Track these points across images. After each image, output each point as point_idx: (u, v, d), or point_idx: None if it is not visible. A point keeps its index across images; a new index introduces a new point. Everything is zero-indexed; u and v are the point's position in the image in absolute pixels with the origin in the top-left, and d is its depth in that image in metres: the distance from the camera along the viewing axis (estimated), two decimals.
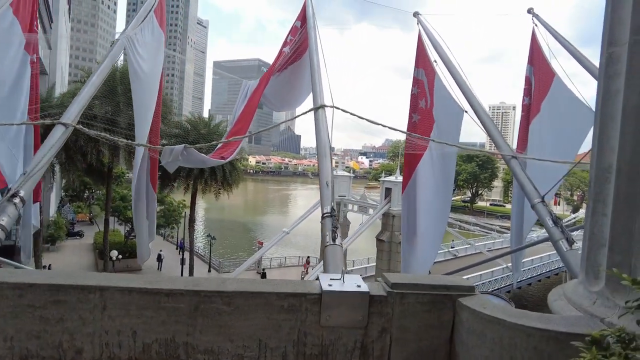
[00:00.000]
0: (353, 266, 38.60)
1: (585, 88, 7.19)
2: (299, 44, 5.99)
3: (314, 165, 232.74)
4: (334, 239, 2.80)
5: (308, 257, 38.55)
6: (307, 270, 28.49)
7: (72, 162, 21.36)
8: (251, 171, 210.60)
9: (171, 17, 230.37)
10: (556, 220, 3.78)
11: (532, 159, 5.03)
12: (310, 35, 5.65)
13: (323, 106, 4.08)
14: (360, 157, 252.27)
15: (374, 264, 35.59)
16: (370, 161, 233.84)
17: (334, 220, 2.95)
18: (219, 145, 5.07)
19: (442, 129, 6.58)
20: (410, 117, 7.19)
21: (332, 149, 3.67)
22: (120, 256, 32.67)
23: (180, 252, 38.25)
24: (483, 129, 4.93)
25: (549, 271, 43.92)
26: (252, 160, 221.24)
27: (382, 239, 31.91)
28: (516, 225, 7.74)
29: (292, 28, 6.84)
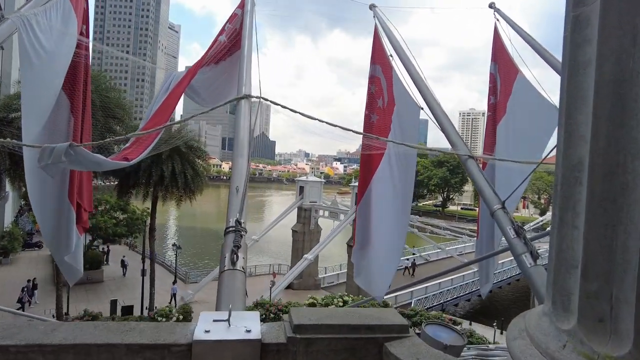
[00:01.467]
0: (325, 273, 37.95)
1: (549, 85, 6.79)
2: (239, 32, 5.30)
3: (289, 171, 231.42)
4: (233, 263, 2.11)
5: (273, 271, 37.46)
6: (274, 281, 27.60)
7: (17, 169, 19.80)
8: (224, 177, 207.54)
9: (141, 21, 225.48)
10: (518, 230, 3.19)
11: (490, 158, 4.49)
12: (245, 20, 5.00)
13: (247, 96, 3.40)
14: (335, 163, 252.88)
15: (346, 270, 35.03)
16: (345, 167, 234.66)
17: (238, 238, 2.26)
18: (131, 141, 4.26)
19: (401, 128, 6.00)
20: (368, 117, 6.60)
21: (251, 146, 2.99)
22: None
23: (150, 264, 36.47)
24: (438, 126, 4.35)
25: (518, 274, 44.42)
26: (225, 167, 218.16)
27: (352, 245, 31.38)
28: (486, 232, 7.24)
29: (231, 15, 6.15)
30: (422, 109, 5.47)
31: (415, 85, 4.95)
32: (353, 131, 4.01)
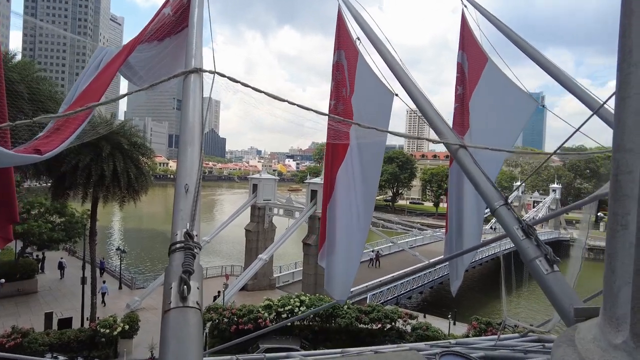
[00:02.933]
0: (280, 272, 37.18)
1: (521, 72, 6.54)
2: (187, 4, 4.50)
3: (240, 169, 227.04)
4: (183, 297, 1.41)
5: (226, 273, 36.16)
6: (227, 283, 26.44)
7: None
8: (172, 176, 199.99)
9: (79, 11, 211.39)
10: (528, 230, 2.70)
11: (484, 148, 4.04)
12: None
13: (198, 70, 2.67)
14: (287, 160, 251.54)
15: (301, 268, 34.48)
16: (298, 164, 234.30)
17: (189, 258, 1.56)
18: (48, 129, 3.35)
19: (365, 118, 5.45)
20: (335, 107, 5.98)
21: (204, 132, 2.27)
22: (3, 280, 27.94)
23: (101, 273, 34.07)
24: (421, 114, 3.81)
25: (482, 258, 45.75)
26: (172, 165, 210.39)
27: (309, 243, 30.86)
28: (455, 228, 6.87)
29: None
30: (397, 95, 4.97)
31: (391, 71, 4.41)
32: (331, 116, 3.40)
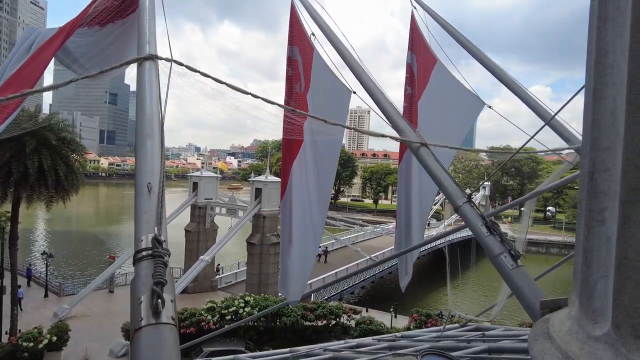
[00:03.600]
0: (222, 273, 36.26)
1: (468, 73, 6.79)
2: None
3: (178, 167, 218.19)
4: (156, 313, 1.23)
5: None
6: None
7: None
8: (104, 174, 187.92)
9: None
10: (492, 226, 2.75)
11: (444, 147, 4.10)
12: None
13: (153, 57, 2.43)
14: (228, 158, 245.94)
15: (244, 268, 33.88)
16: (239, 161, 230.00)
17: (160, 267, 1.37)
18: None
19: (321, 115, 5.37)
20: (287, 103, 5.83)
21: (162, 123, 2.06)
22: None
23: (28, 282, 31.05)
24: (380, 113, 3.81)
25: (421, 252, 47.27)
26: (104, 162, 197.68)
27: (253, 242, 30.38)
28: (404, 225, 7.00)
29: None
30: (355, 92, 4.94)
31: (349, 68, 4.36)
32: (300, 112, 3.24)
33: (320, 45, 5.38)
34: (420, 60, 6.92)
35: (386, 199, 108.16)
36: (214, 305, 20.87)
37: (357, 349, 10.21)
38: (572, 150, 5.21)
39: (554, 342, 1.73)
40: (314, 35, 5.61)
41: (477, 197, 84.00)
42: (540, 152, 5.37)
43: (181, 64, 2.58)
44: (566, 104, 3.00)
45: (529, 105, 5.22)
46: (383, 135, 3.41)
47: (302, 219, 5.62)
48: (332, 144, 5.38)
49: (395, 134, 3.73)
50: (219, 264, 36.68)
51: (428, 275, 42.05)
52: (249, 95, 2.92)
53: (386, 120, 3.92)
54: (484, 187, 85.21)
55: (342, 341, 12.83)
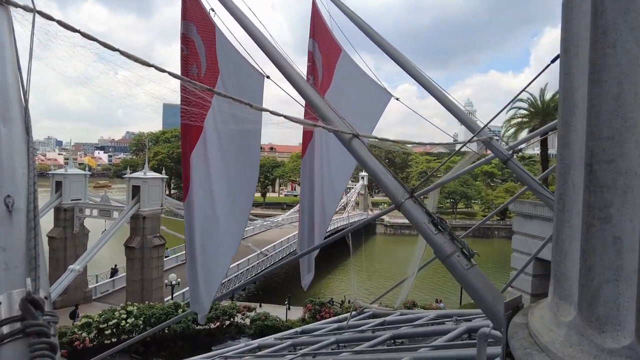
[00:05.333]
0: (97, 282, 32.28)
1: (375, 63, 6.70)
2: None
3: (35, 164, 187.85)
4: None
5: None
6: None
7: None
8: None
9: None
10: (440, 223, 2.53)
11: (375, 138, 3.81)
12: None
13: (5, 2, 1.64)
14: (97, 152, 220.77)
15: (124, 274, 30.61)
16: (110, 156, 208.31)
17: (41, 352, 0.77)
18: None
19: (228, 103, 4.73)
20: (183, 87, 4.99)
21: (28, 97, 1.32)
22: None
23: None
24: (304, 99, 3.38)
25: (289, 254, 48.02)
26: None
27: (132, 246, 27.54)
28: (307, 223, 6.71)
29: None
30: (269, 77, 4.40)
31: (261, 49, 3.83)
32: (217, 92, 2.56)
33: (222, 22, 4.70)
34: (323, 49, 6.64)
35: (274, 191, 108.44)
36: (90, 320, 18.32)
37: (259, 354, 9.76)
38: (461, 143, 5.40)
39: (555, 356, 1.53)
40: (213, 10, 4.91)
41: (357, 187, 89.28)
42: (457, 143, 5.51)
43: (50, 18, 1.81)
44: (501, 110, 2.90)
45: (435, 97, 5.28)
46: (315, 125, 2.98)
47: (205, 224, 4.90)
48: (246, 136, 4.76)
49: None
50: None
51: (316, 264, 43.05)
52: (176, 74, 2.26)
53: (308, 109, 3.51)
54: (362, 177, 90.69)
55: (242, 344, 12.23)
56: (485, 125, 3.55)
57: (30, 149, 1.31)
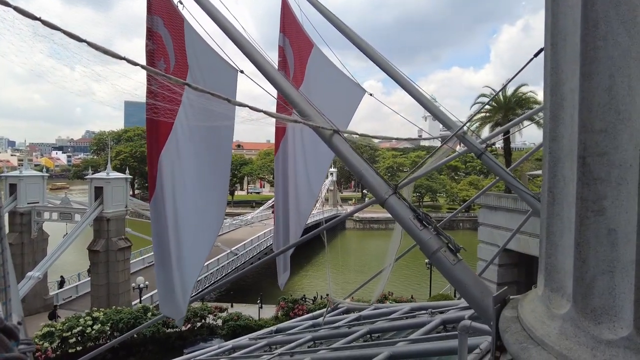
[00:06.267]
0: (58, 288, 30.87)
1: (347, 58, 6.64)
2: None
3: None
4: None
5: None
6: None
7: None
8: None
9: None
10: (425, 219, 2.52)
11: (354, 133, 3.76)
12: None
13: None
14: (54, 152, 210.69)
15: (88, 279, 29.41)
16: (69, 156, 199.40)
17: None
18: None
19: (200, 100, 4.56)
20: (148, 81, 4.76)
21: None
22: None
23: None
24: (281, 94, 3.29)
25: (260, 252, 47.46)
26: None
27: (97, 249, 26.48)
28: (282, 222, 6.62)
29: None
30: (242, 72, 4.26)
31: (234, 42, 3.70)
32: (194, 87, 2.41)
33: (192, 15, 4.52)
34: (295, 44, 6.54)
35: (242, 189, 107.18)
36: (52, 329, 17.48)
37: (234, 355, 9.58)
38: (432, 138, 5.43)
39: (552, 349, 1.53)
40: (181, 3, 4.72)
41: (327, 183, 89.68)
42: (431, 138, 5.53)
43: (6, 4, 1.64)
44: (503, 86, 2.91)
45: (408, 92, 5.30)
46: (295, 121, 2.90)
47: (178, 224, 4.72)
48: (219, 132, 4.60)
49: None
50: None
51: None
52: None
53: (286, 105, 3.42)
54: (331, 174, 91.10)
55: (216, 346, 11.99)
56: (468, 122, 3.57)
57: None
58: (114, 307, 21.22)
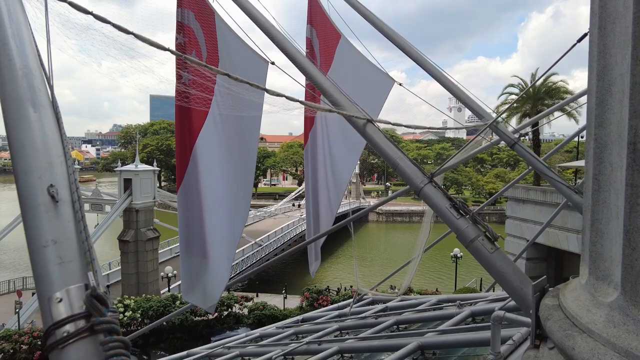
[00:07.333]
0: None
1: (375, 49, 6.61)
2: None
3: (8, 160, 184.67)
4: None
5: (17, 289, 29.10)
6: (21, 301, 21.24)
7: None
8: None
9: None
10: (462, 207, 2.50)
11: (387, 122, 3.76)
12: None
13: None
14: (84, 146, 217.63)
15: (119, 268, 30.42)
16: (98, 150, 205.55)
17: (120, 354, 0.73)
18: None
19: (232, 90, 4.63)
20: (179, 76, 4.87)
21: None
22: None
23: None
24: (314, 85, 3.31)
25: (285, 243, 47.90)
26: None
27: (126, 239, 27.32)
28: (313, 211, 6.67)
29: None
30: (273, 63, 4.31)
31: (266, 34, 3.72)
32: (219, 71, 2.48)
33: (221, 7, 4.58)
34: (322, 35, 6.53)
35: (267, 182, 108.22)
36: None
37: (262, 343, 9.76)
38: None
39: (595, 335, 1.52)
40: None
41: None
42: (461, 127, 5.46)
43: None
44: (546, 71, 2.86)
45: (439, 81, 5.23)
46: (330, 110, 2.92)
47: (210, 211, 4.82)
48: (247, 123, 4.67)
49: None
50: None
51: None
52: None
53: (323, 94, 3.44)
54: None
55: (243, 334, 12.24)
56: (504, 112, 3.49)
57: (63, 135, 1.24)
58: (143, 295, 21.91)
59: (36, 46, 1.51)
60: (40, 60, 1.50)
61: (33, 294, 24.10)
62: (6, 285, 29.81)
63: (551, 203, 19.71)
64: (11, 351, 16.28)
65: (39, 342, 16.63)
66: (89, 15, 1.95)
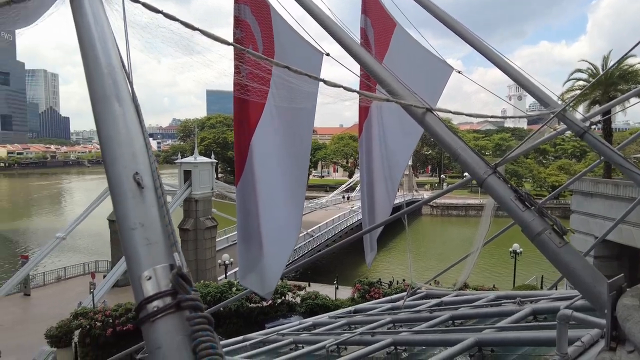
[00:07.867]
0: None
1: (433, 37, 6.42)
2: None
3: (91, 152, 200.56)
4: None
5: (91, 271, 31.68)
6: (95, 282, 23.14)
7: None
8: (2, 164, 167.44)
9: None
10: (528, 199, 2.38)
11: (447, 111, 3.68)
12: None
13: None
14: None
15: None
16: (159, 143, 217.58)
17: (205, 330, 0.78)
18: None
19: (288, 83, 4.70)
20: (238, 69, 4.98)
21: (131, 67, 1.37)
22: None
23: None
24: (371, 75, 3.28)
25: (336, 233, 48.08)
26: (2, 151, 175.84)
27: (187, 228, 28.80)
28: (367, 202, 6.64)
29: None
30: (328, 54, 4.33)
31: (321, 25, 3.73)
32: (274, 63, 2.55)
33: (278, 1, 4.65)
34: (376, 24, 6.44)
35: (316, 173, 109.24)
36: None
37: (315, 331, 9.94)
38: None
39: None
40: None
41: None
42: (524, 116, 5.20)
43: (136, 0, 1.83)
44: (620, 61, 2.66)
45: (501, 68, 4.99)
46: (388, 100, 2.90)
47: (268, 203, 4.96)
48: (302, 115, 4.75)
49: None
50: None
51: (358, 242, 43.14)
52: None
53: (380, 84, 3.41)
54: None
55: (296, 322, 12.53)
56: (574, 99, 3.28)
57: (143, 128, 1.35)
58: (202, 281, 23.03)
59: (117, 45, 1.64)
60: (120, 58, 1.62)
61: (104, 276, 26.19)
62: (81, 268, 32.62)
63: (624, 197, 18.21)
64: (87, 327, 17.86)
65: (111, 320, 18.07)
66: (159, 15, 2.06)
